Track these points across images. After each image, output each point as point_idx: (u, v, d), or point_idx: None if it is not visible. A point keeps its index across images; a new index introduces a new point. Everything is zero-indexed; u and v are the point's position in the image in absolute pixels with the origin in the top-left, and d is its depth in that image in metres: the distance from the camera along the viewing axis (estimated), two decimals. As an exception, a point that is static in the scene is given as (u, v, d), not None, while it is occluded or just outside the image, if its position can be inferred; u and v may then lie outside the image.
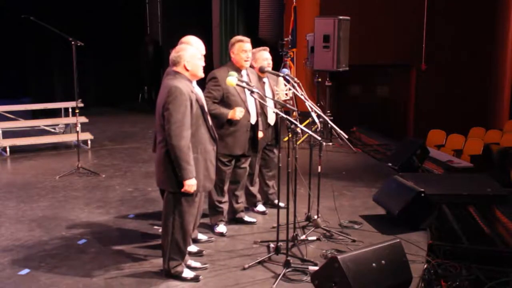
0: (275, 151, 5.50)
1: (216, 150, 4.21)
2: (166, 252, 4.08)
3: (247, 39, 4.94)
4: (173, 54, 3.98)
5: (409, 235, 5.02)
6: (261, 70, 5.19)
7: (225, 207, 5.11)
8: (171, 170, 3.90)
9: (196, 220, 4.43)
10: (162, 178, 4.02)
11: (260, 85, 5.21)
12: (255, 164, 5.42)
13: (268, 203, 5.70)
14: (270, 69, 5.23)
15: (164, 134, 3.89)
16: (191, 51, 3.98)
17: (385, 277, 3.76)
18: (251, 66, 5.18)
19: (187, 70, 3.96)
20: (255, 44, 5.26)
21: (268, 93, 5.29)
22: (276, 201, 5.31)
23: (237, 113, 4.78)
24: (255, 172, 5.46)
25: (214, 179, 4.26)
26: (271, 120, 5.37)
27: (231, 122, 4.86)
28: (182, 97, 3.82)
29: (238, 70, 4.84)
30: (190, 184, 3.90)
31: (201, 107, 4.02)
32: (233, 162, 5.01)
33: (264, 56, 5.25)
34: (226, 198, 5.12)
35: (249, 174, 5.34)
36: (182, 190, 3.91)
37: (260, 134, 5.18)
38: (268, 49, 5.33)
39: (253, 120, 5.00)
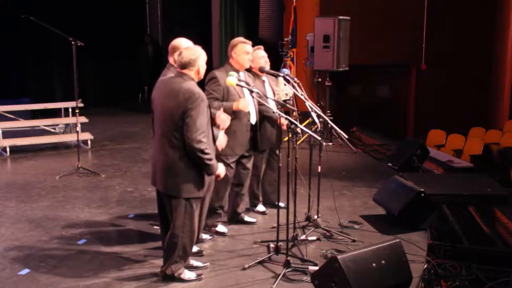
0: (278, 152, 5.49)
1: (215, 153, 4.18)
2: (171, 256, 4.04)
3: (249, 42, 4.95)
4: (187, 57, 3.90)
5: (409, 235, 5.02)
6: (261, 70, 5.19)
7: (224, 209, 5.12)
8: (185, 176, 3.87)
9: (201, 221, 4.44)
10: (172, 184, 3.92)
11: (260, 84, 5.21)
12: (261, 165, 5.41)
13: (268, 203, 5.69)
14: (268, 66, 5.24)
15: (176, 138, 3.84)
16: (203, 56, 3.98)
17: (385, 277, 3.76)
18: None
19: (198, 74, 3.97)
20: (256, 44, 5.25)
21: (269, 91, 5.28)
22: (276, 202, 5.30)
23: (241, 104, 4.70)
24: (261, 173, 5.45)
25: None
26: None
27: (231, 125, 4.83)
28: (203, 103, 3.83)
29: (237, 71, 4.83)
30: (221, 171, 4.07)
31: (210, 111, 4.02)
32: (234, 164, 5.00)
33: (260, 55, 5.23)
34: (226, 202, 5.12)
35: (254, 175, 5.34)
36: (218, 179, 4.12)
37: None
38: (262, 47, 5.31)
39: (253, 120, 4.99)
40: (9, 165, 7.89)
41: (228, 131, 4.81)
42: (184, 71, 3.92)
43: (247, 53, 4.86)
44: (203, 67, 3.98)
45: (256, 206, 5.62)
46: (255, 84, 5.03)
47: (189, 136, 3.79)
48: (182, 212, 3.95)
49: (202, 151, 3.81)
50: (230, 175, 4.94)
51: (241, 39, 4.98)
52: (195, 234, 4.07)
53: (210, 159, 3.88)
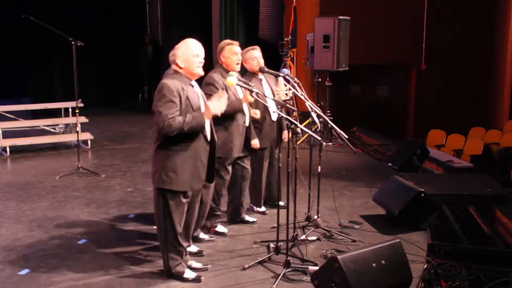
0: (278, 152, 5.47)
1: (208, 150, 4.09)
2: (164, 252, 4.08)
3: (236, 42, 4.96)
4: (170, 53, 4.03)
5: (409, 235, 5.02)
6: (261, 70, 5.19)
7: (222, 210, 5.12)
8: (157, 166, 3.96)
9: (198, 220, 4.43)
10: (151, 173, 4.06)
11: (258, 83, 5.21)
12: (264, 164, 5.38)
13: (268, 203, 5.69)
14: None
15: (153, 132, 3.97)
16: (183, 49, 3.99)
17: (385, 277, 3.75)
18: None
19: (180, 67, 3.97)
20: (256, 44, 5.24)
21: (267, 89, 5.28)
22: (276, 201, 5.30)
23: (249, 97, 4.67)
24: (263, 172, 5.44)
25: (204, 179, 4.13)
26: (273, 117, 5.35)
27: (228, 127, 4.82)
28: (169, 93, 3.83)
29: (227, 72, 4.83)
30: (212, 110, 3.89)
31: (193, 106, 3.94)
32: (230, 167, 4.99)
33: (253, 55, 5.22)
34: (224, 203, 5.12)
35: (256, 174, 5.33)
36: (212, 110, 3.89)
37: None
38: (257, 47, 5.29)
39: (247, 122, 5.01)
40: (9, 165, 7.89)
41: (225, 135, 4.81)
42: (173, 67, 4.00)
43: (235, 54, 4.88)
44: (183, 61, 3.95)
45: (258, 205, 5.61)
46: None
47: (159, 125, 3.81)
48: (158, 202, 4.01)
49: (174, 130, 3.78)
50: (226, 178, 4.95)
51: (227, 41, 5.00)
52: (177, 230, 4.01)
53: (190, 124, 3.81)
